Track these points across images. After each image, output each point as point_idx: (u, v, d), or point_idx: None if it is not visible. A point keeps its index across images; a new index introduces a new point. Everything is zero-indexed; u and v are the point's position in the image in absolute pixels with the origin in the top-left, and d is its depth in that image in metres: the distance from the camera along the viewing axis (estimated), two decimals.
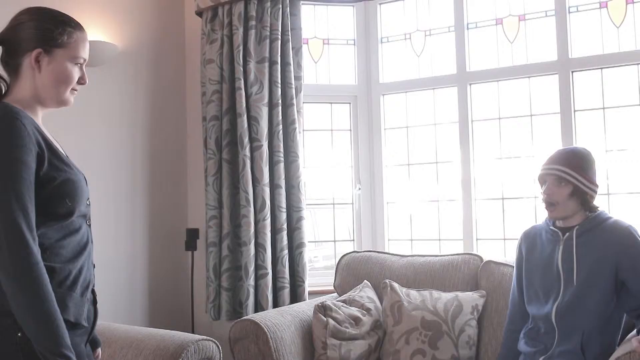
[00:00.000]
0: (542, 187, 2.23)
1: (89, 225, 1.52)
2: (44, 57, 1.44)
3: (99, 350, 1.69)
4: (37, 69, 1.44)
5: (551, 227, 2.24)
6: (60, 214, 1.40)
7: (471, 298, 2.63)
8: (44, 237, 1.36)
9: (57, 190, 1.39)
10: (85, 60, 1.52)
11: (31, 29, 1.44)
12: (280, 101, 3.20)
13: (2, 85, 1.48)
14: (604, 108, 2.94)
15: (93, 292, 1.53)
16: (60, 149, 1.47)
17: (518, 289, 2.36)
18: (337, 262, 3.15)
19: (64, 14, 1.51)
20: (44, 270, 1.30)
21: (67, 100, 1.50)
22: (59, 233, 1.40)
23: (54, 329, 1.29)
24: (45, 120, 1.53)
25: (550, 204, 2.18)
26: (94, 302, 1.54)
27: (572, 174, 2.14)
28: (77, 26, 1.50)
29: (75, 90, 1.52)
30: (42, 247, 1.34)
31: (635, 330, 2.03)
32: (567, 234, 2.18)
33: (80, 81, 1.51)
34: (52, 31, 1.45)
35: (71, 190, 1.42)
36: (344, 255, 3.14)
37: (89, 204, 1.52)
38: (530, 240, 2.33)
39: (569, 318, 2.12)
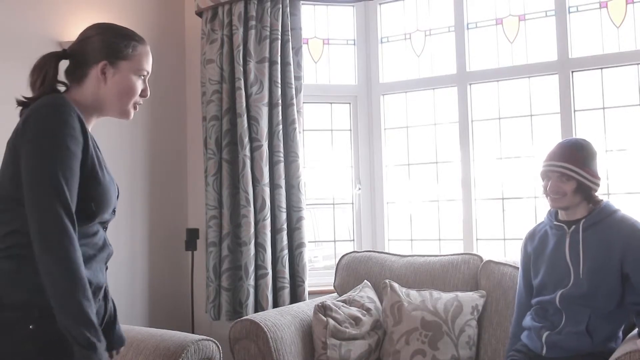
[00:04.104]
0: (544, 181, 2.22)
1: (105, 229, 1.55)
2: (109, 68, 1.50)
3: (121, 349, 1.71)
4: (103, 80, 1.50)
5: (555, 222, 2.24)
6: (82, 215, 1.40)
7: (471, 298, 2.63)
8: None
9: (87, 192, 1.41)
10: (148, 72, 1.57)
11: (98, 43, 1.50)
12: (280, 101, 3.20)
13: (59, 85, 1.52)
14: (604, 108, 2.94)
15: (105, 289, 1.56)
16: (101, 153, 1.51)
17: (525, 291, 2.35)
18: (337, 262, 3.15)
19: (129, 29, 1.57)
20: (80, 262, 1.32)
21: (129, 112, 1.55)
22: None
23: (88, 317, 1.30)
24: None
25: (555, 194, 2.17)
26: (105, 298, 1.58)
27: (575, 170, 2.13)
28: (141, 40, 1.56)
29: (139, 103, 1.57)
30: None
31: (636, 329, 2.03)
32: (573, 227, 2.18)
33: (143, 94, 1.57)
34: (117, 44, 1.51)
35: (99, 196, 1.45)
36: (344, 255, 3.14)
37: (114, 213, 1.55)
38: (536, 240, 2.32)
39: (574, 306, 2.13)
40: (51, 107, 1.37)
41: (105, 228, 1.54)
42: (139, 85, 1.55)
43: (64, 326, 1.29)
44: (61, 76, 1.53)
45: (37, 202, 1.31)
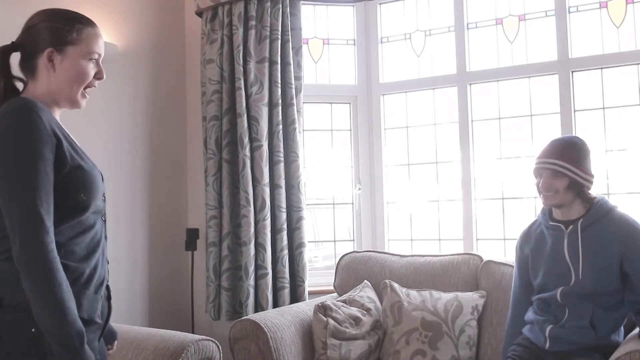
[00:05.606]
0: (537, 178, 2.23)
1: (104, 221, 1.53)
2: (56, 55, 1.45)
3: (115, 342, 1.73)
4: (52, 68, 1.45)
5: (551, 223, 2.23)
6: (74, 208, 1.40)
7: (471, 298, 2.63)
8: (58, 235, 1.36)
9: (74, 183, 1.39)
10: (100, 55, 1.52)
11: (42, 30, 1.46)
12: (280, 101, 3.20)
13: (18, 83, 1.49)
14: (604, 108, 2.94)
15: (107, 287, 1.55)
16: (76, 143, 1.48)
17: (521, 290, 2.35)
18: (337, 262, 3.16)
19: (74, 11, 1.51)
20: (55, 260, 1.30)
21: (78, 100, 1.50)
22: (72, 230, 1.41)
23: (63, 318, 1.29)
24: None
25: (547, 192, 2.17)
26: (109, 297, 1.57)
27: (568, 167, 2.13)
28: (88, 22, 1.51)
29: (94, 86, 1.52)
30: (57, 246, 1.34)
31: (637, 329, 2.04)
32: (571, 227, 2.18)
33: (97, 76, 1.52)
34: (61, 29, 1.45)
35: (86, 183, 1.42)
36: (344, 255, 3.15)
37: (105, 199, 1.53)
38: (533, 241, 2.32)
39: (577, 301, 2.14)
40: (15, 113, 1.33)
41: (104, 220, 1.52)
42: (91, 69, 1.49)
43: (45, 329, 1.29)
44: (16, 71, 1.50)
45: (15, 216, 1.30)
